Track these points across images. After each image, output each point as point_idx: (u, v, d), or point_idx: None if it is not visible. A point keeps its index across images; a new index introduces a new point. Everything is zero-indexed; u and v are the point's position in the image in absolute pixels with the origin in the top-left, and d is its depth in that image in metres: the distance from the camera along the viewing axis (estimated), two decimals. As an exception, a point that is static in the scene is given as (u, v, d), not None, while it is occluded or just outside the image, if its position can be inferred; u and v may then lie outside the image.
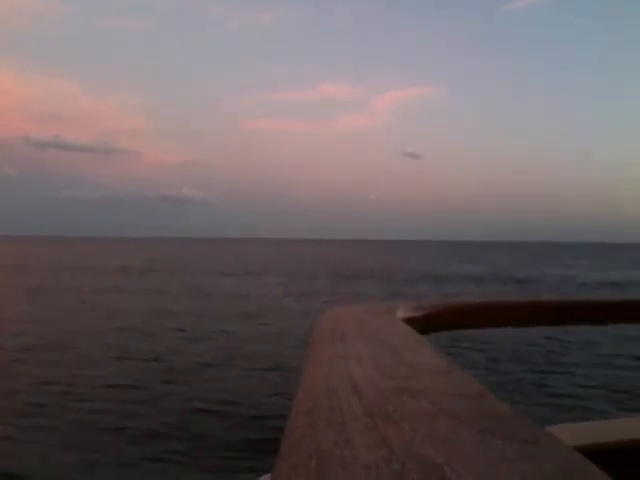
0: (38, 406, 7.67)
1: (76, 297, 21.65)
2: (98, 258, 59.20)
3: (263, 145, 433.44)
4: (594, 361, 10.88)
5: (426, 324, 1.50)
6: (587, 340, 12.53)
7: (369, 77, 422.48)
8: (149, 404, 7.89)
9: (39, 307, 19.19)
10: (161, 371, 9.73)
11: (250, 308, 18.69)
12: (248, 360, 10.58)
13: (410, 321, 1.37)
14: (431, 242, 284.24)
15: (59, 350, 11.47)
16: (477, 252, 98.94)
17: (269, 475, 1.28)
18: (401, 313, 1.45)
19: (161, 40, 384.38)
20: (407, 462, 0.49)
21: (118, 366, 10.13)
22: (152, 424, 7.01)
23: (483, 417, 0.60)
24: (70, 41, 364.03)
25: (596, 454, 0.80)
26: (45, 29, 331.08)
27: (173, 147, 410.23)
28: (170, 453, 6.17)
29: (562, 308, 1.87)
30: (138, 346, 12.02)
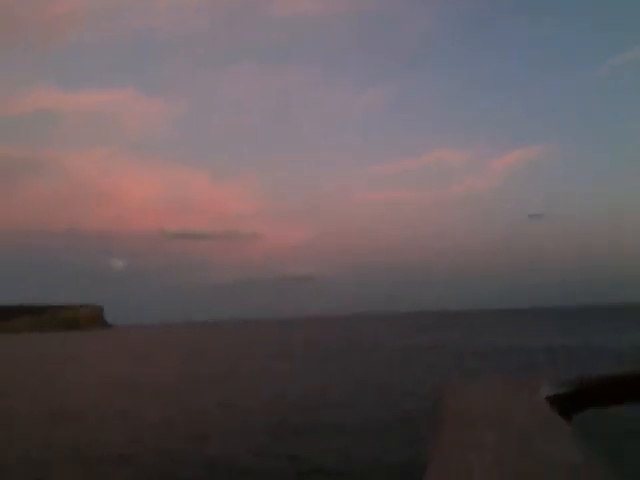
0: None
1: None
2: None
3: (381, 217, 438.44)
4: None
5: (573, 402, 1.59)
6: None
7: (483, 139, 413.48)
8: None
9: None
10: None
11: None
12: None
13: (554, 399, 1.49)
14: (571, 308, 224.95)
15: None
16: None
17: None
18: (545, 390, 1.55)
19: (276, 124, 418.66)
20: None
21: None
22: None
23: None
24: (197, 136, 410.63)
25: None
26: (170, 128, 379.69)
27: (293, 227, 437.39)
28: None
29: None
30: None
